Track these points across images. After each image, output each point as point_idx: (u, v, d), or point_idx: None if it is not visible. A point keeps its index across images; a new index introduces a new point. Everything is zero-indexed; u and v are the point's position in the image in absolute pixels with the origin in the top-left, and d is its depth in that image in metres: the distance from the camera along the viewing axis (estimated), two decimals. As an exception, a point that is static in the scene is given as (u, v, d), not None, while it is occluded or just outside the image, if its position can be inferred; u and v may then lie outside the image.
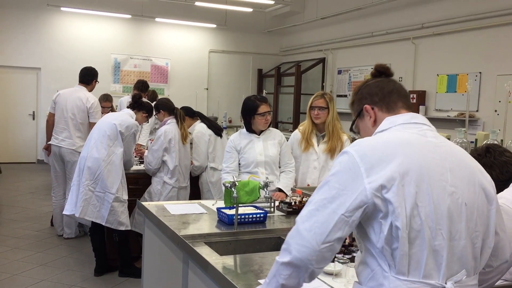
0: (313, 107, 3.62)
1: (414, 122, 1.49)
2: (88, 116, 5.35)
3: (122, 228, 4.26)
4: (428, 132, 1.48)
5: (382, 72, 1.63)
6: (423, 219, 1.32)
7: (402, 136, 1.44)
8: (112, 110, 6.48)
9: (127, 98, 6.80)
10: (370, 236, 1.37)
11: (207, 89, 12.16)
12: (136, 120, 4.42)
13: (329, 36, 10.69)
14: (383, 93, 1.56)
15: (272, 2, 10.47)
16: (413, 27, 8.49)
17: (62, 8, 10.32)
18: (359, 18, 9.73)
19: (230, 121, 10.93)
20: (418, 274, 1.32)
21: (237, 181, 2.60)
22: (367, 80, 1.65)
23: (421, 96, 8.23)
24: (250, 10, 10.75)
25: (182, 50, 11.86)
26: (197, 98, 11.70)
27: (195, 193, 4.78)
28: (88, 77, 5.47)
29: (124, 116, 4.38)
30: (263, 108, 3.47)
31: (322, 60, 11.06)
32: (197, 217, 2.94)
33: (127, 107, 4.60)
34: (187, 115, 4.80)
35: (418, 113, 1.62)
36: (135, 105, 4.50)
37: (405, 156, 1.36)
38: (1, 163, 6.61)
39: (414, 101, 8.11)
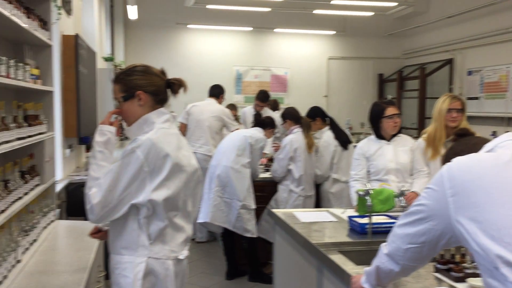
0: (451, 109, 3.37)
1: None
2: (224, 126, 5.67)
3: (248, 235, 4.37)
4: None
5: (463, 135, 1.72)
6: None
7: None
8: (237, 119, 6.72)
9: (249, 109, 7.01)
10: None
11: (326, 96, 12.08)
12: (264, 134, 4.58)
13: (457, 36, 10.02)
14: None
15: (395, 4, 10.10)
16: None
17: (188, 26, 11.00)
18: (491, 14, 8.99)
19: (350, 128, 10.73)
20: None
21: (371, 189, 2.52)
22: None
23: None
24: (371, 14, 10.50)
25: (301, 58, 11.94)
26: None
27: (316, 201, 4.74)
28: (216, 90, 5.89)
29: (254, 131, 4.58)
30: (390, 111, 3.34)
31: (449, 61, 10.39)
32: (328, 225, 2.90)
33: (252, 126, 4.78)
34: (319, 116, 4.77)
35: None
36: (258, 125, 4.64)
37: None
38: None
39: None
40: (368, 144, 3.48)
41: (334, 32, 11.45)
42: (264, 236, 4.61)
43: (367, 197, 2.52)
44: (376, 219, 2.72)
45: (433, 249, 1.40)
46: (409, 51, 11.98)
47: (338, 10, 10.17)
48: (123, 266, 1.93)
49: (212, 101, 5.81)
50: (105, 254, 3.77)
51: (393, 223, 2.65)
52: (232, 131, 5.49)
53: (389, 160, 3.37)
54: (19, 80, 2.29)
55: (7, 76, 2.15)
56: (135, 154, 1.90)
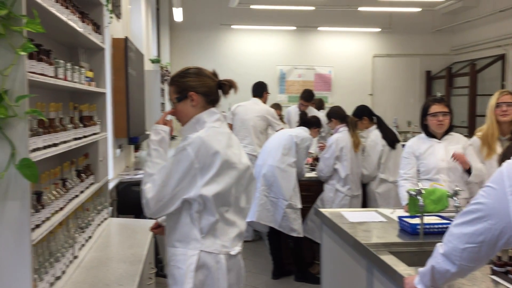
0: (500, 103, 3.26)
1: None
2: (273, 126, 5.67)
3: (294, 234, 4.36)
4: None
5: None
6: None
7: None
8: (281, 118, 6.71)
9: (294, 108, 6.99)
10: None
11: (371, 95, 11.90)
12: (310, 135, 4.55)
13: (509, 30, 9.63)
14: None
15: (443, -1, 9.81)
16: None
17: (232, 26, 11.10)
18: (547, 6, 8.59)
19: (397, 127, 10.51)
20: None
21: (422, 188, 2.46)
22: None
23: None
24: (418, 10, 10.25)
25: (345, 57, 11.81)
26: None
27: (362, 201, 4.67)
28: (259, 89, 5.83)
29: (300, 130, 4.54)
30: (434, 108, 3.24)
31: (501, 57, 10.00)
32: (377, 225, 2.86)
33: (298, 123, 4.76)
34: (366, 115, 4.70)
35: None
36: (304, 124, 4.61)
37: None
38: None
39: None
40: (418, 143, 3.39)
41: (380, 29, 11.26)
42: (310, 236, 4.59)
43: (419, 197, 2.46)
44: (427, 219, 2.66)
45: (492, 249, 1.35)
46: (458, 47, 11.61)
47: (384, 7, 9.99)
48: (177, 258, 2.01)
49: (257, 100, 5.79)
50: (156, 252, 3.87)
51: (445, 223, 2.59)
52: (277, 131, 5.51)
53: (440, 159, 3.27)
54: (75, 82, 2.38)
55: (65, 79, 2.24)
56: (186, 151, 1.98)
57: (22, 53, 1.65)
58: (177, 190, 1.96)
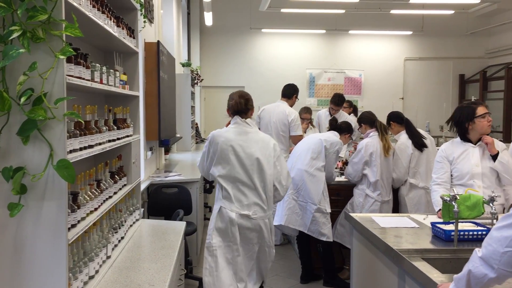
0: None
1: None
2: (290, 129, 5.58)
3: (324, 238, 4.33)
4: None
5: None
6: None
7: None
8: (311, 122, 6.67)
9: (324, 112, 6.94)
10: None
11: (402, 98, 11.74)
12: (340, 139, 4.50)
13: (547, 32, 9.36)
14: None
15: (478, 1, 9.61)
16: None
17: (262, 30, 11.13)
18: None
19: (428, 131, 10.32)
20: None
21: (457, 194, 2.40)
22: None
23: None
24: (451, 12, 10.06)
25: (375, 60, 11.69)
26: (392, 108, 11.34)
27: (394, 206, 4.60)
28: (290, 90, 5.72)
29: (330, 134, 4.51)
30: (481, 110, 3.17)
31: (538, 60, 9.73)
32: (409, 231, 2.81)
33: (328, 128, 4.72)
34: (395, 121, 4.65)
35: None
36: (335, 130, 4.57)
37: None
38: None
39: None
40: (451, 147, 3.32)
41: (411, 32, 11.12)
42: (339, 241, 4.55)
43: (453, 203, 2.41)
44: (461, 226, 2.60)
45: None
46: (493, 50, 11.35)
47: (416, 10, 9.84)
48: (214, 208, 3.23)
49: (283, 102, 5.68)
50: (186, 253, 3.90)
51: (481, 230, 2.52)
52: (295, 136, 5.42)
53: (474, 164, 3.20)
54: (110, 85, 2.43)
55: (100, 82, 2.29)
56: (206, 142, 3.30)
57: (61, 56, 1.70)
58: (205, 166, 3.29)
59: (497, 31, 11.14)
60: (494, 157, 3.15)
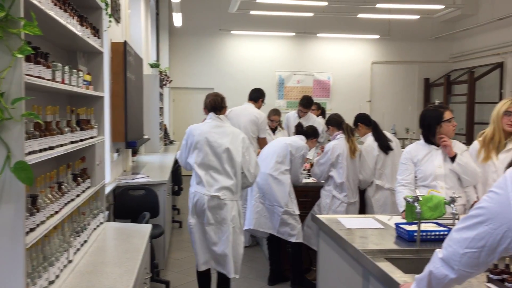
0: (509, 112, 3.24)
1: None
2: (258, 131, 5.62)
3: (293, 239, 4.35)
4: None
5: None
6: None
7: None
8: (280, 124, 6.70)
9: (293, 114, 6.97)
10: None
11: (369, 101, 11.93)
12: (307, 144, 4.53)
13: (508, 38, 9.68)
14: None
15: (443, 7, 9.85)
16: None
17: (232, 32, 11.12)
18: (545, 15, 8.63)
19: (395, 134, 10.51)
20: None
21: (420, 195, 2.45)
22: None
23: None
24: (416, 17, 10.29)
25: (344, 63, 11.85)
26: (360, 111, 11.52)
27: (360, 207, 4.66)
28: (256, 94, 5.80)
29: (296, 138, 4.55)
30: (448, 114, 3.25)
31: (500, 65, 10.04)
32: (374, 232, 2.84)
33: (294, 133, 4.76)
34: (363, 122, 4.71)
35: None
36: (301, 135, 4.60)
37: None
38: (183, 176, 7.32)
39: None
40: (416, 149, 3.39)
41: (378, 36, 11.31)
42: (306, 242, 4.58)
43: (416, 204, 2.46)
44: (424, 226, 2.65)
45: (491, 255, 1.34)
46: (457, 55, 11.66)
47: (383, 14, 10.02)
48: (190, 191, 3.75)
49: (250, 105, 5.76)
50: (152, 257, 3.85)
51: (442, 231, 2.58)
52: (261, 138, 5.56)
53: (437, 165, 3.27)
54: (72, 86, 2.37)
55: (62, 82, 2.23)
56: (185, 136, 3.78)
57: (19, 55, 1.65)
58: (184, 157, 3.77)
59: (460, 36, 11.45)
60: (453, 159, 3.24)
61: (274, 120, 6.43)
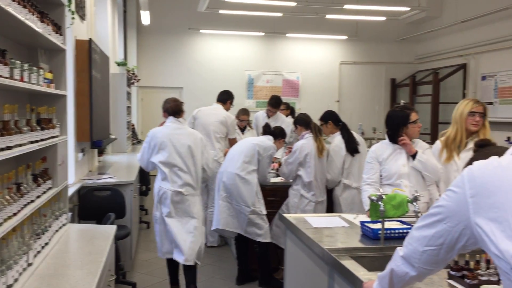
0: (474, 112, 3.32)
1: None
2: (228, 132, 5.64)
3: (260, 239, 4.36)
4: None
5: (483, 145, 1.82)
6: None
7: None
8: (249, 124, 6.70)
9: (262, 113, 6.98)
10: None
11: (338, 101, 12.05)
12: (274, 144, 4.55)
13: (471, 40, 9.95)
14: None
15: (408, 9, 10.05)
16: None
17: (201, 31, 11.05)
18: (505, 19, 8.91)
19: (362, 133, 10.67)
20: None
21: (383, 194, 2.49)
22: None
23: None
24: (383, 19, 10.46)
25: (312, 63, 11.93)
26: (328, 111, 11.66)
27: (328, 206, 4.70)
28: (224, 96, 5.88)
29: (263, 138, 4.57)
30: (414, 116, 3.33)
31: (463, 66, 10.31)
32: (340, 230, 2.87)
33: (262, 133, 4.77)
34: (332, 120, 4.74)
35: None
36: (269, 135, 4.62)
37: None
38: (151, 175, 7.23)
39: None
40: (381, 148, 3.44)
41: (346, 37, 11.44)
42: (275, 241, 4.59)
43: (379, 202, 2.49)
44: (388, 224, 2.69)
45: (450, 252, 1.37)
46: (422, 56, 11.91)
47: (350, 15, 10.14)
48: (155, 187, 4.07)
49: (219, 106, 5.81)
50: (117, 258, 3.79)
51: (406, 228, 2.63)
52: (232, 139, 5.62)
53: (402, 164, 3.33)
54: (32, 84, 2.30)
55: (21, 80, 2.16)
56: (146, 139, 4.09)
57: (-27, 52, 1.59)
58: (146, 157, 4.06)
59: (425, 38, 11.70)
60: (414, 156, 3.31)
61: (243, 120, 6.44)
